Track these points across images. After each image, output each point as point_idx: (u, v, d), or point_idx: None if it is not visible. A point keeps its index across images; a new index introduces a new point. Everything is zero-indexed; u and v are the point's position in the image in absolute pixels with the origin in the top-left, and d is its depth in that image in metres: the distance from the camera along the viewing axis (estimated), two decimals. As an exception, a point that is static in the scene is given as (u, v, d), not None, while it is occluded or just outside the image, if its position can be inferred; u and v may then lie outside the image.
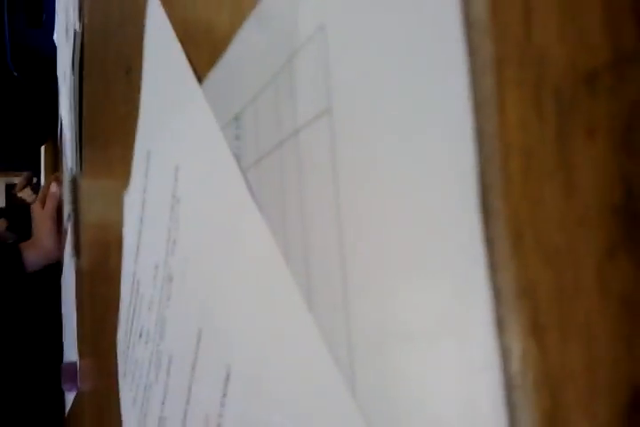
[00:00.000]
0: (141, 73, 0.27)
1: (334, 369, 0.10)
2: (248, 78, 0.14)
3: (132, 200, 0.30)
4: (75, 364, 0.68)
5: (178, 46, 0.21)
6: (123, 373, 0.32)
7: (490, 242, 0.07)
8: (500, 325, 0.07)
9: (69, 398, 0.79)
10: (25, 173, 1.70)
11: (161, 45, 0.24)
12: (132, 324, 0.29)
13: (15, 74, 1.28)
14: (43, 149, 1.84)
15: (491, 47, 0.07)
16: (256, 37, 0.13)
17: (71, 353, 0.71)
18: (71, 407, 0.75)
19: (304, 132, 0.11)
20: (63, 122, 0.81)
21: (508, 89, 0.07)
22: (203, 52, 0.18)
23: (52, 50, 1.12)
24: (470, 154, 0.07)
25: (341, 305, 0.10)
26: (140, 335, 0.28)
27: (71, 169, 0.68)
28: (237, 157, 0.15)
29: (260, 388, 0.14)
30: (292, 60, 0.11)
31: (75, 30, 0.58)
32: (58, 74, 0.97)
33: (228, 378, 0.16)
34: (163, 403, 0.23)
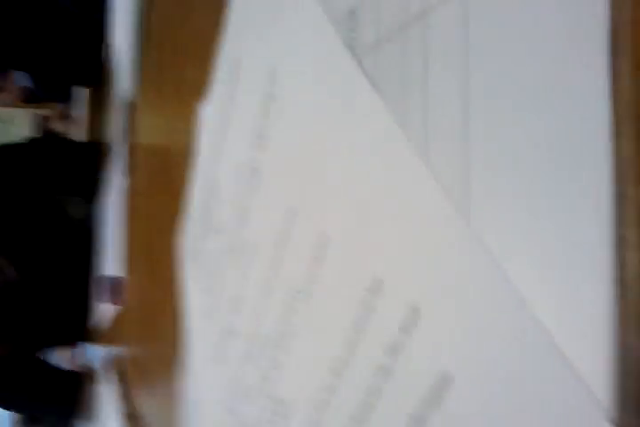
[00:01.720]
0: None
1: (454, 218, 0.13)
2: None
3: (212, 109, 0.32)
4: (119, 278, 0.72)
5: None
6: (191, 265, 0.35)
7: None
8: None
9: (105, 310, 0.84)
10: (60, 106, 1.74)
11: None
12: (206, 221, 0.33)
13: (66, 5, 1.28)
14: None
15: None
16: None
17: (113, 268, 0.75)
18: (112, 319, 0.80)
19: (434, 14, 0.13)
20: (118, 49, 0.83)
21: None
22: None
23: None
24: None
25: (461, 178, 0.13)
26: (217, 229, 0.31)
27: (127, 89, 0.70)
28: (351, 49, 0.17)
29: (360, 250, 0.17)
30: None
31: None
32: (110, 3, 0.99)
33: (326, 244, 0.19)
34: (243, 284, 0.26)
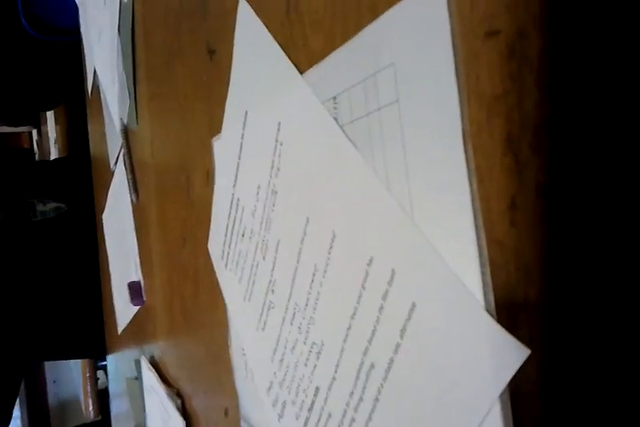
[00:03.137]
0: (227, 56, 0.39)
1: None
2: (343, 77, 0.27)
3: (225, 143, 0.43)
4: (138, 282, 0.82)
5: (274, 44, 0.33)
6: (224, 264, 0.46)
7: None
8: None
9: (126, 313, 0.95)
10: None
11: (253, 41, 0.36)
12: (233, 228, 0.43)
13: (31, 33, 1.35)
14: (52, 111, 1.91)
15: None
16: (347, 59, 0.26)
17: (132, 273, 0.85)
18: (134, 319, 0.90)
19: (384, 109, 0.24)
20: (101, 79, 0.92)
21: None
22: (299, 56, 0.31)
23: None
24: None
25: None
26: (243, 235, 0.41)
27: (121, 119, 0.80)
28: (335, 119, 0.28)
29: (356, 240, 0.28)
30: (376, 75, 0.24)
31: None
32: (83, 32, 1.07)
33: (333, 241, 0.30)
34: (272, 270, 0.37)
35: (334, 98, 0.28)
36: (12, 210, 1.16)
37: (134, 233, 0.81)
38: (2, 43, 1.35)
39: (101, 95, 0.93)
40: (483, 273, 0.19)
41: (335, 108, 0.28)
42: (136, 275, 0.83)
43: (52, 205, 1.26)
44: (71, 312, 1.21)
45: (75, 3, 1.15)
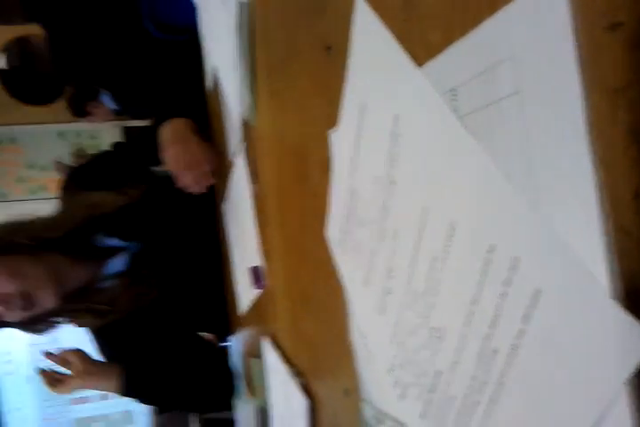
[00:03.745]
0: (344, 51, 0.41)
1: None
2: (462, 70, 0.28)
3: (342, 135, 0.45)
4: (259, 267, 0.87)
5: (391, 38, 0.34)
6: (342, 251, 0.48)
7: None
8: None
9: (247, 295, 1.00)
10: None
11: (371, 36, 0.37)
12: (350, 217, 0.45)
13: (153, 33, 1.44)
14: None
15: None
16: (466, 51, 0.27)
17: (253, 259, 0.90)
18: (255, 302, 0.95)
19: (504, 101, 0.25)
20: (221, 75, 0.97)
21: None
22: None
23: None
24: None
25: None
26: (361, 223, 0.43)
27: (240, 114, 0.84)
28: (454, 111, 0.29)
29: (478, 229, 0.28)
30: (495, 67, 0.25)
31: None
32: (202, 31, 1.13)
33: (452, 229, 0.30)
34: (390, 257, 0.38)
35: (453, 90, 0.29)
36: (154, 183, 1.25)
37: (254, 221, 0.86)
38: (127, 42, 1.45)
39: (221, 91, 0.99)
40: (609, 261, 0.20)
41: (454, 100, 0.29)
42: (257, 260, 0.88)
43: None
44: (197, 293, 1.29)
45: (192, 3, 1.21)
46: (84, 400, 4.02)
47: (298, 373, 0.68)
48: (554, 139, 0.21)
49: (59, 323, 1.18)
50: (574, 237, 0.21)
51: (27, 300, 1.06)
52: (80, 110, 3.00)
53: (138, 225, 1.23)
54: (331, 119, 0.47)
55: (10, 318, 1.08)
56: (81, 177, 1.29)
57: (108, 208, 1.18)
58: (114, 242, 1.23)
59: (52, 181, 4.24)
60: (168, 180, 1.12)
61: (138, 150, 1.29)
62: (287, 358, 0.74)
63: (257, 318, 0.96)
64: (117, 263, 1.22)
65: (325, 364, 0.59)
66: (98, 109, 3.02)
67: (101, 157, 1.36)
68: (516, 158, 0.24)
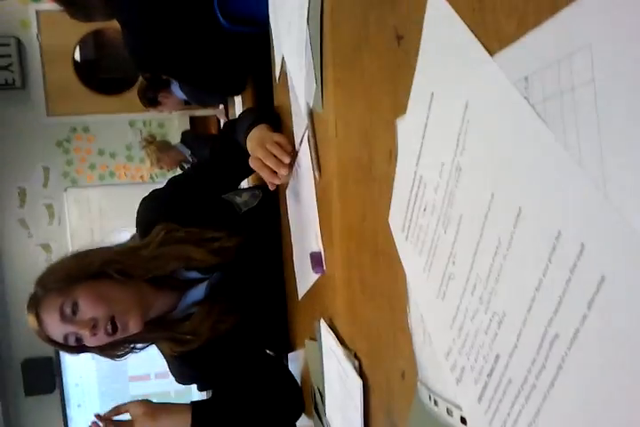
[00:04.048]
0: (416, 41, 0.41)
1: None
2: (536, 58, 0.28)
3: (409, 123, 0.45)
4: (319, 252, 0.88)
5: (464, 27, 0.35)
6: (404, 237, 0.49)
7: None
8: None
9: (306, 280, 1.02)
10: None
11: (443, 25, 0.38)
12: (414, 203, 0.46)
13: (223, 23, 1.47)
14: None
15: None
16: (541, 40, 0.27)
17: (313, 244, 0.92)
18: (313, 286, 0.97)
19: (578, 89, 0.25)
20: (289, 66, 0.98)
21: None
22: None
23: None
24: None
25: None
26: (425, 209, 0.44)
27: (307, 103, 0.85)
28: (526, 98, 0.29)
29: (544, 219, 0.29)
30: (571, 55, 0.25)
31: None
32: (272, 23, 1.15)
33: (519, 215, 0.31)
34: (453, 243, 0.39)
35: (526, 78, 0.29)
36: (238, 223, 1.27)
37: (316, 207, 0.87)
38: (200, 34, 1.49)
39: (288, 81, 1.00)
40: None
41: (526, 88, 0.29)
42: (317, 246, 0.89)
43: (247, 194, 1.37)
44: (266, 312, 1.31)
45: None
46: (142, 378, 4.18)
47: (354, 354, 0.69)
48: (626, 127, 0.21)
49: (137, 349, 1.20)
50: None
51: (113, 324, 1.07)
52: (151, 100, 3.10)
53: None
54: (397, 108, 0.48)
55: (91, 342, 1.08)
56: (159, 205, 1.27)
57: (201, 265, 1.20)
58: (193, 275, 1.25)
59: (120, 167, 4.41)
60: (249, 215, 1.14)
61: (214, 170, 1.30)
62: (342, 340, 0.75)
63: (315, 301, 0.98)
64: (196, 292, 1.25)
65: (382, 347, 0.60)
66: (168, 99, 3.12)
67: (177, 183, 1.32)
68: (587, 146, 0.24)
